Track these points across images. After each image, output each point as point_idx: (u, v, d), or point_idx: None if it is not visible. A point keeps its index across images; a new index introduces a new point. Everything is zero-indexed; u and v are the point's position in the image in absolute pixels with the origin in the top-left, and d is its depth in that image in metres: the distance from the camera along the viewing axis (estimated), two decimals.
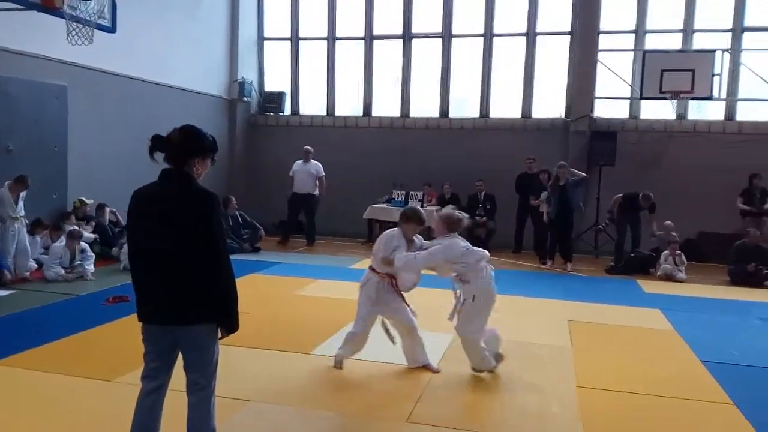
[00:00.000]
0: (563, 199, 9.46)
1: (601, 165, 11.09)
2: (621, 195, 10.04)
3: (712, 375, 4.72)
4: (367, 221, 11.53)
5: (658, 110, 11.72)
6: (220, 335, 2.75)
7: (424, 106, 12.94)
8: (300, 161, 11.26)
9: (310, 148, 11.26)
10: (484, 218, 11.35)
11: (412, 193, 10.95)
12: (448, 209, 4.68)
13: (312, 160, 11.23)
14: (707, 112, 11.67)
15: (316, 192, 11.23)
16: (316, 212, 11.31)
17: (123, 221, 8.95)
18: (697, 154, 10.99)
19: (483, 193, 11.41)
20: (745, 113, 11.40)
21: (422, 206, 10.79)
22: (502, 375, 4.60)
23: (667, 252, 9.30)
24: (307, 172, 11.18)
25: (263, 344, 5.14)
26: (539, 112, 12.27)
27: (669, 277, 9.01)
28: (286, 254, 10.21)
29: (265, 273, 8.45)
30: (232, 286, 2.69)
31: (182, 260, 2.62)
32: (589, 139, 11.45)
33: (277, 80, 13.77)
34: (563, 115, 11.96)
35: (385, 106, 13.11)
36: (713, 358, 5.12)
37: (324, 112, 13.39)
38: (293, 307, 6.57)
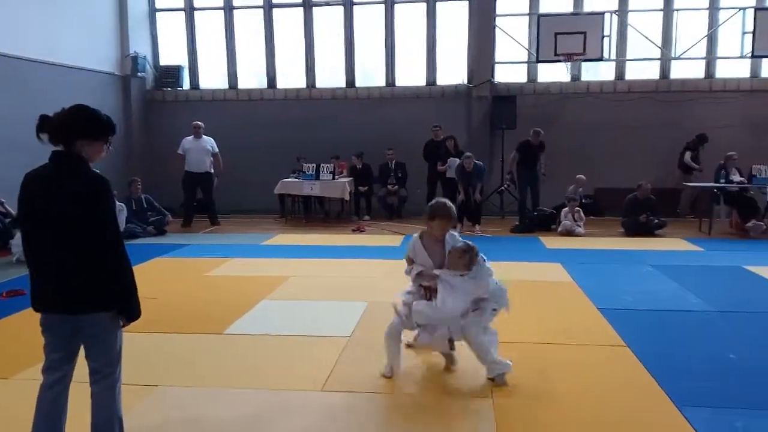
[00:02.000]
0: (470, 181, 9.86)
1: (502, 128, 11.46)
2: (515, 150, 10.41)
3: (608, 321, 5.04)
4: (279, 196, 11.36)
5: (554, 73, 12.21)
6: (122, 323, 2.65)
7: (330, 76, 12.82)
8: (190, 138, 10.53)
9: (199, 123, 10.62)
10: (396, 187, 11.48)
11: (323, 165, 10.87)
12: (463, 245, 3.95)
13: (204, 136, 10.58)
14: (599, 72, 12.28)
15: (212, 169, 10.63)
16: (214, 190, 10.79)
17: (12, 211, 8.34)
18: (591, 113, 11.59)
19: (394, 161, 11.52)
20: (633, 72, 12.08)
21: (333, 178, 10.81)
22: (414, 334, 4.71)
23: (566, 209, 9.80)
24: (201, 149, 10.49)
25: (172, 328, 4.98)
26: (443, 79, 12.47)
27: (569, 233, 9.52)
28: (193, 236, 9.89)
29: (171, 256, 8.16)
30: (128, 272, 2.59)
31: (76, 247, 2.49)
32: (491, 103, 11.77)
33: (173, 54, 13.17)
34: (465, 81, 12.20)
35: (290, 78, 12.87)
36: (609, 305, 5.49)
37: (226, 85, 12.97)
38: (203, 288, 6.40)
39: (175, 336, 4.81)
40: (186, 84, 13.06)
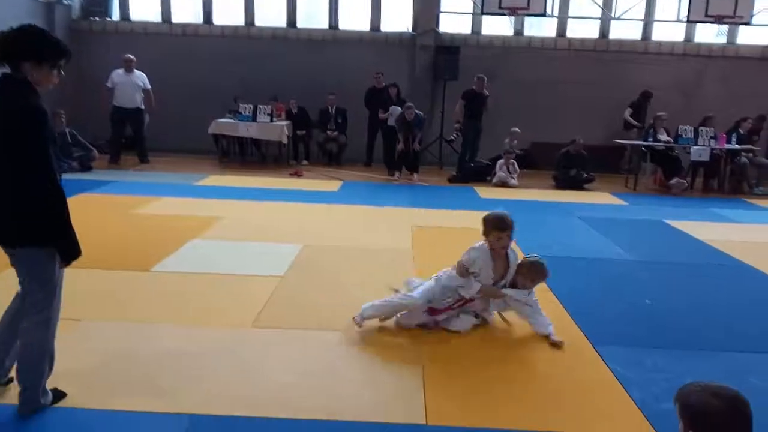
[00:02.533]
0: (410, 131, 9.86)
1: (445, 79, 11.41)
2: (460, 98, 10.41)
3: None
4: (213, 137, 11.00)
5: (498, 26, 12.19)
6: (60, 263, 2.56)
7: (271, 15, 12.33)
8: (120, 71, 9.97)
9: (132, 56, 10.06)
10: (336, 132, 11.33)
11: (261, 107, 10.56)
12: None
13: (136, 71, 10.04)
14: (542, 28, 12.35)
15: (143, 106, 10.14)
16: (145, 127, 10.33)
17: None
18: (532, 68, 11.68)
19: (334, 107, 11.32)
20: (574, 30, 12.21)
21: (272, 120, 10.54)
22: (345, 279, 4.74)
23: (502, 161, 9.96)
24: (132, 84, 9.97)
25: (97, 264, 4.79)
26: (387, 25, 12.23)
27: (503, 184, 9.72)
28: (121, 173, 9.49)
29: (98, 192, 7.82)
30: (58, 206, 2.44)
31: (4, 175, 2.38)
32: (434, 53, 11.67)
33: None
34: (410, 29, 12.02)
35: (228, 14, 12.31)
36: (537, 253, 5.63)
37: (159, 18, 12.27)
38: (131, 226, 6.19)
39: (98, 272, 4.63)
40: (116, 14, 12.28)
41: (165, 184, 8.58)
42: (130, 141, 10.45)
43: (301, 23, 12.28)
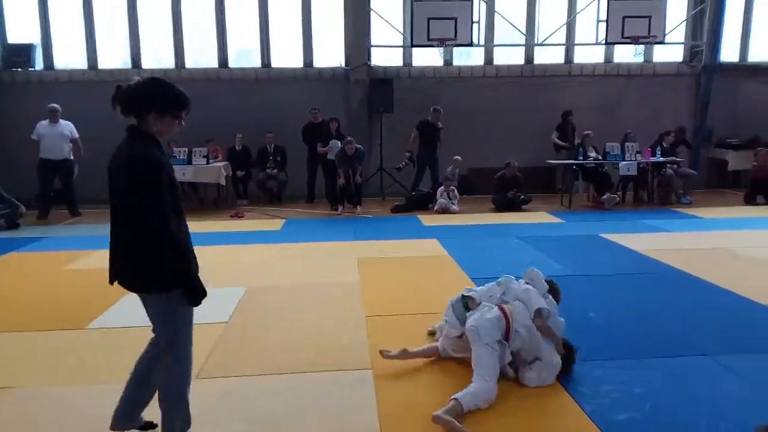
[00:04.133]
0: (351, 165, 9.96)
1: (381, 111, 11.58)
2: (415, 128, 10.64)
3: None
4: None
5: (428, 57, 12.52)
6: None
7: (202, 56, 12.27)
8: (45, 122, 9.64)
9: (56, 106, 9.73)
10: (276, 170, 11.27)
11: (196, 149, 10.41)
12: None
13: (61, 120, 9.73)
14: (471, 57, 12.74)
15: (71, 156, 9.82)
16: (74, 178, 9.99)
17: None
18: (463, 97, 12.01)
19: (273, 145, 11.28)
20: (501, 58, 12.66)
21: (207, 162, 10.40)
22: (293, 319, 4.68)
23: (442, 188, 10.14)
24: (58, 135, 9.64)
25: (31, 325, 4.57)
26: (320, 61, 12.36)
27: (444, 210, 9.87)
28: (51, 228, 9.12)
29: (27, 250, 7.48)
30: (171, 258, 2.52)
31: (122, 226, 2.56)
32: (368, 87, 11.86)
33: (23, 31, 11.95)
34: (343, 64, 12.19)
35: (157, 58, 12.16)
36: (481, 275, 5.74)
37: (85, 66, 12.01)
38: (63, 282, 5.92)
39: (31, 334, 4.41)
40: (39, 64, 11.93)
41: (98, 236, 8.25)
42: (59, 194, 10.06)
43: (233, 63, 12.26)
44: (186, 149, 10.43)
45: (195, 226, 9.26)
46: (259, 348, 4.09)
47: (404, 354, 3.73)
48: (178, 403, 2.69)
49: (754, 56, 12.80)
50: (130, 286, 2.61)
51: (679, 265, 6.06)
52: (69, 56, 12.08)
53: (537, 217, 9.34)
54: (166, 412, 2.69)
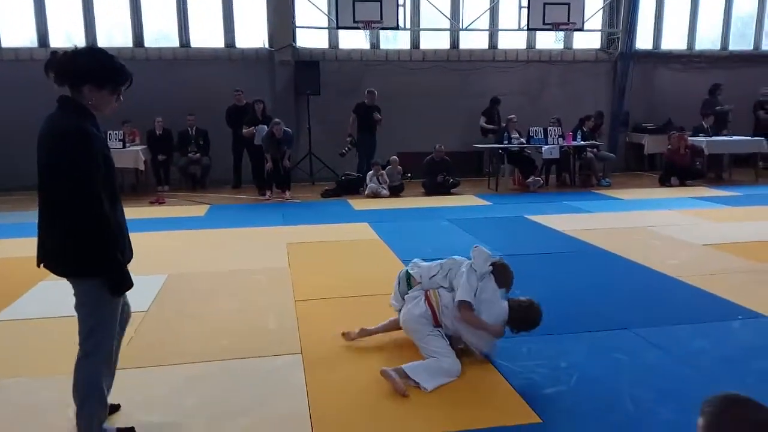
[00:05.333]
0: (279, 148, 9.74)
1: (307, 94, 11.36)
2: (352, 112, 10.51)
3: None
4: None
5: (355, 40, 12.37)
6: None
7: (116, 35, 11.61)
8: None
9: None
10: (198, 154, 10.85)
11: (111, 132, 9.85)
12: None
13: None
14: (398, 41, 12.69)
15: None
16: None
17: None
18: (391, 80, 11.95)
19: (194, 128, 10.85)
20: (427, 42, 12.68)
21: (124, 146, 9.88)
22: (217, 306, 4.50)
23: (371, 172, 10.07)
24: None
25: None
26: (243, 41, 11.96)
27: (375, 195, 9.82)
28: None
29: None
30: (95, 235, 2.29)
31: (46, 202, 2.34)
32: (294, 69, 11.59)
33: None
34: (267, 45, 11.85)
35: (65, 35, 11.40)
36: (411, 257, 5.63)
37: None
38: None
39: None
40: None
41: (4, 225, 7.71)
42: None
43: (149, 42, 11.66)
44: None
45: None
46: (181, 337, 3.89)
47: (363, 332, 3.72)
48: (93, 396, 2.49)
49: (666, 44, 13.43)
50: (54, 270, 2.41)
51: (600, 243, 6.27)
52: None
53: (465, 200, 9.46)
54: (81, 405, 2.49)
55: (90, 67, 2.31)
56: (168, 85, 11.16)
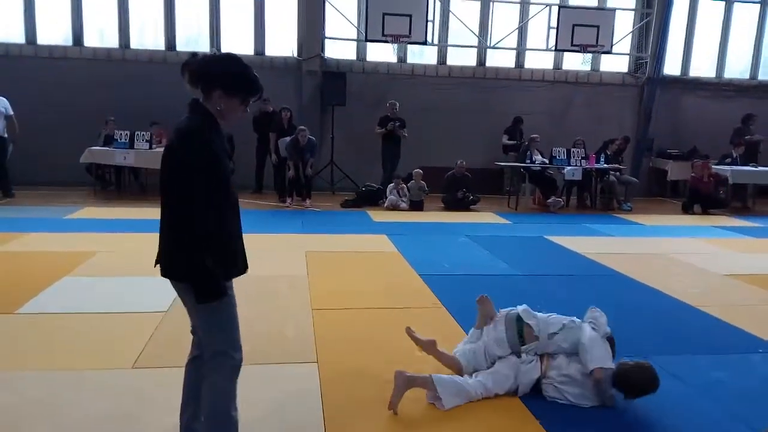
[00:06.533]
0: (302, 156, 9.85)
1: (333, 104, 11.45)
2: (378, 125, 10.66)
3: (428, 285, 5.29)
4: (87, 166, 10.27)
5: (383, 53, 12.47)
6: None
7: (148, 37, 11.82)
8: None
9: None
10: None
11: (138, 133, 10.02)
12: None
13: None
14: (424, 56, 12.77)
15: (5, 134, 9.40)
16: (8, 157, 9.55)
17: None
18: (416, 95, 12.01)
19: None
20: (454, 58, 12.73)
21: (150, 147, 10.03)
22: (240, 309, 4.52)
23: (392, 185, 10.11)
24: None
25: None
26: (272, 50, 12.12)
27: (394, 207, 9.85)
28: None
29: None
30: (196, 243, 2.22)
31: (165, 206, 2.29)
32: (321, 79, 11.71)
33: None
34: (295, 54, 11.99)
35: (101, 36, 11.65)
36: (429, 272, 5.74)
37: (23, 40, 11.36)
38: None
39: None
40: None
41: (33, 219, 7.86)
42: None
43: (180, 46, 11.86)
44: (128, 132, 10.03)
45: (135, 213, 8.95)
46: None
47: (430, 345, 3.47)
48: (225, 414, 2.37)
49: (695, 71, 13.35)
50: (163, 272, 2.35)
51: (620, 268, 6.22)
52: (6, 30, 11.41)
53: (485, 217, 9.44)
54: (213, 423, 2.36)
55: (225, 73, 2.30)
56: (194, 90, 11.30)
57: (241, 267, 2.41)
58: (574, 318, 3.46)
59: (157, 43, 11.79)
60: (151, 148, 10.11)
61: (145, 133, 10.15)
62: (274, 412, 3.02)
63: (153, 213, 8.43)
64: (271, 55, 12.04)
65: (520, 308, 3.47)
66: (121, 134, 10.03)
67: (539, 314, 3.47)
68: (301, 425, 2.91)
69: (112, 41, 11.60)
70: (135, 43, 11.70)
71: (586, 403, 3.20)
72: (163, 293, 4.66)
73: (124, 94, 11.00)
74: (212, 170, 2.21)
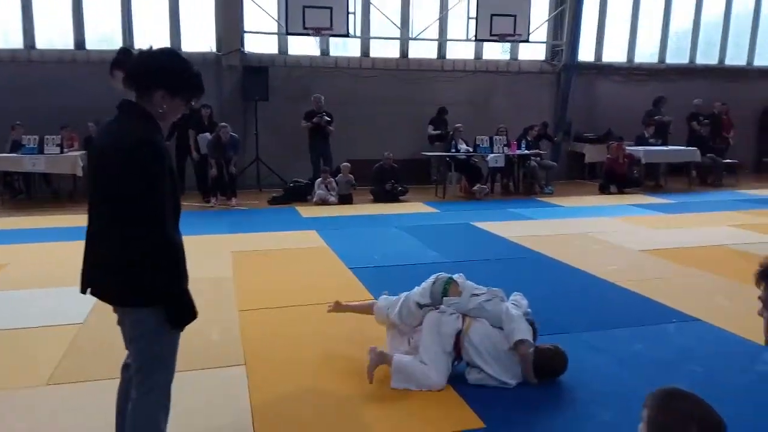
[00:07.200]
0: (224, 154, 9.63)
1: (255, 100, 11.22)
2: (303, 119, 10.48)
3: (358, 278, 5.28)
4: None
5: (305, 46, 12.32)
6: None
7: (56, 37, 11.19)
8: None
9: None
10: None
11: (48, 137, 9.47)
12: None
13: None
14: (347, 48, 12.69)
15: None
16: None
17: None
18: (340, 87, 11.94)
19: None
20: (377, 50, 12.72)
21: (62, 152, 9.54)
22: None
23: (320, 179, 10.03)
24: None
25: None
26: (189, 45, 11.73)
27: (323, 202, 9.77)
28: None
29: None
30: (164, 261, 2.04)
31: (107, 223, 2.06)
32: (242, 74, 11.45)
33: None
34: (214, 49, 11.66)
35: (4, 37, 10.94)
36: (359, 265, 5.73)
37: None
38: None
39: None
40: None
41: None
42: None
43: (90, 45, 11.29)
44: (36, 137, 9.48)
45: (47, 221, 8.50)
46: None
47: (338, 306, 3.83)
48: None
49: (608, 57, 13.92)
50: (103, 297, 2.13)
51: (542, 250, 6.42)
52: None
53: (413, 208, 9.52)
54: None
55: (167, 71, 2.07)
56: (109, 89, 10.79)
57: (187, 279, 2.19)
58: (501, 292, 3.52)
59: (66, 42, 11.17)
60: (62, 152, 9.59)
61: (55, 137, 9.62)
62: (201, 418, 2.92)
63: (67, 221, 8.03)
64: (188, 51, 11.63)
65: (456, 275, 3.59)
66: (29, 139, 9.46)
67: (470, 282, 3.57)
68: (229, 429, 2.82)
69: (16, 42, 10.90)
70: (41, 43, 11.05)
71: (511, 381, 3.26)
72: (79, 304, 4.43)
73: (31, 97, 10.37)
74: (170, 184, 2.04)
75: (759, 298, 1.47)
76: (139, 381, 2.15)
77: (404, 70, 12.63)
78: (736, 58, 14.67)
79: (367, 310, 3.74)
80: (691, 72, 14.17)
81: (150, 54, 2.10)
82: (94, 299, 4.58)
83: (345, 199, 9.96)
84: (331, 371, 3.45)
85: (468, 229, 7.76)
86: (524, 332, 3.27)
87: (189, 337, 3.89)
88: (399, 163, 10.62)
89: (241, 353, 3.68)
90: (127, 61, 2.13)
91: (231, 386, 3.26)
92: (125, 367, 2.31)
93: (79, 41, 11.21)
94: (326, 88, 11.74)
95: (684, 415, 1.46)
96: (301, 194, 10.17)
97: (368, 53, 12.64)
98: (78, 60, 10.96)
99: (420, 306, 3.45)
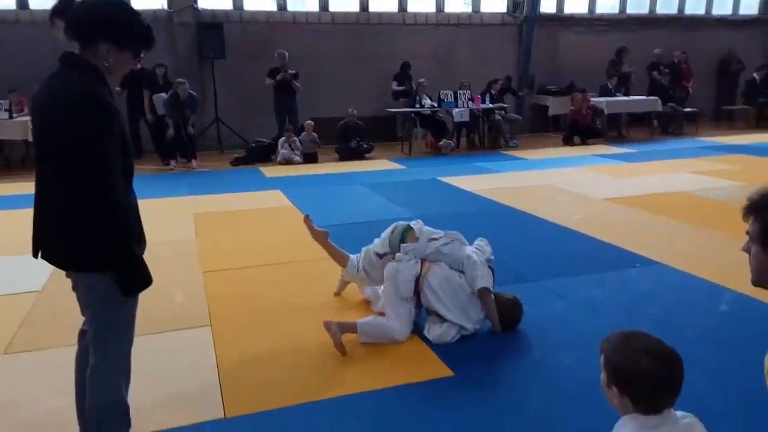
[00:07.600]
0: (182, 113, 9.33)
1: (212, 58, 10.85)
2: (267, 77, 10.20)
3: None
4: None
5: (261, 1, 11.90)
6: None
7: None
8: None
9: None
10: None
11: None
12: None
13: None
14: (306, 3, 12.31)
15: None
16: None
17: None
18: (300, 43, 11.59)
19: None
20: (336, 4, 12.38)
21: (11, 117, 9.13)
22: None
23: (283, 139, 9.84)
24: None
25: None
26: (139, 2, 11.19)
27: (288, 161, 9.61)
28: None
29: None
30: (113, 226, 1.91)
31: (50, 184, 1.94)
32: (196, 31, 11.03)
33: None
34: (165, 6, 11.17)
35: None
36: (325, 223, 5.55)
37: None
38: None
39: None
40: None
41: None
42: None
43: (34, 5, 10.69)
44: None
45: (1, 189, 8.13)
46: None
47: (322, 236, 3.86)
48: (112, 413, 2.08)
49: (569, 8, 13.83)
50: (56, 262, 2.01)
51: (508, 202, 6.45)
52: None
53: (380, 165, 9.44)
54: (98, 425, 2.07)
55: (114, 22, 1.90)
56: (53, 48, 10.29)
57: (144, 245, 2.09)
58: (459, 234, 3.52)
59: (7, 1, 10.55)
60: (11, 117, 9.16)
61: (3, 101, 9.17)
62: (167, 381, 2.87)
63: (20, 188, 7.76)
64: (137, 8, 11.12)
65: (413, 221, 3.59)
66: None
67: (428, 227, 3.56)
68: (196, 391, 2.79)
69: None
70: None
71: (469, 326, 3.28)
72: (36, 273, 4.31)
73: None
74: (119, 141, 1.91)
75: (747, 232, 1.48)
76: (96, 347, 2.05)
77: (365, 24, 12.34)
78: (695, 7, 14.75)
79: (340, 260, 3.73)
80: (651, 22, 14.21)
81: (94, 2, 1.93)
82: (52, 267, 4.47)
83: (310, 158, 9.82)
84: (298, 329, 3.42)
85: (435, 184, 7.74)
86: (486, 279, 3.29)
87: (152, 299, 3.79)
88: (363, 120, 10.47)
89: (206, 314, 3.62)
90: (68, 9, 1.95)
91: (197, 347, 3.21)
92: (82, 334, 2.22)
93: (22, 0, 10.61)
94: (285, 44, 11.39)
95: (635, 349, 1.52)
96: (264, 154, 9.98)
97: (327, 7, 12.29)
98: (22, 20, 10.38)
99: (380, 256, 3.45)
